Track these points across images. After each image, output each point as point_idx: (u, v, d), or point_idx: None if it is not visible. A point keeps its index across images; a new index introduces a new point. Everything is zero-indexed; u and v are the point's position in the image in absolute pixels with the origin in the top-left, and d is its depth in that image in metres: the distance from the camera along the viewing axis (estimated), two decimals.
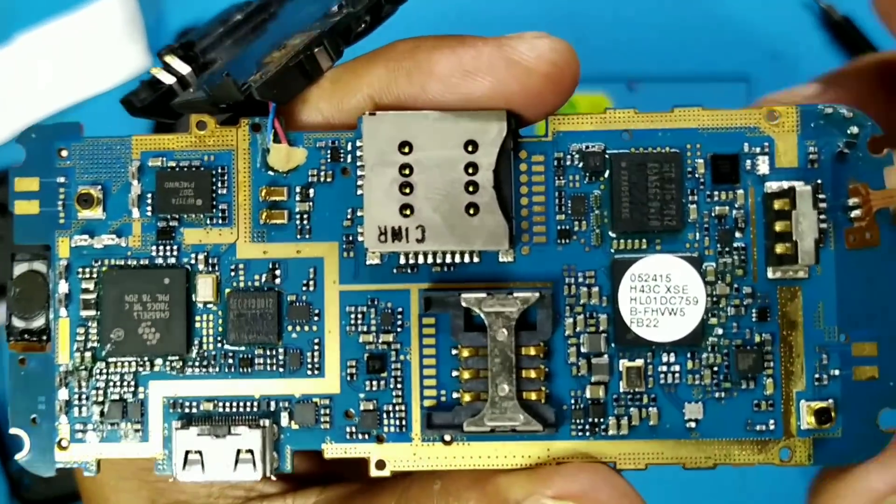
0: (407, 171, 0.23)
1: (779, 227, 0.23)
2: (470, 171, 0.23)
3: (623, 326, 0.23)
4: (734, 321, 0.23)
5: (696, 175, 0.24)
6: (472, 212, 0.23)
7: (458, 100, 0.23)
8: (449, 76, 0.23)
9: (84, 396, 0.24)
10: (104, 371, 0.24)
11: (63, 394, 0.24)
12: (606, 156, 0.24)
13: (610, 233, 0.24)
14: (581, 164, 0.24)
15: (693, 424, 0.23)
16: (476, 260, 0.24)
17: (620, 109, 0.24)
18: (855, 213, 0.23)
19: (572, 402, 0.23)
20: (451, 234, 0.23)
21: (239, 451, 0.23)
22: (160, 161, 0.24)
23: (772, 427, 0.23)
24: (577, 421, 0.23)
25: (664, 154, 0.24)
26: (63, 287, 0.24)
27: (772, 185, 0.23)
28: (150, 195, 0.24)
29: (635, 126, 0.24)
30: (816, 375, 0.23)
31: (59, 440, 0.24)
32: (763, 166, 0.24)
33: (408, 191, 0.23)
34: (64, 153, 0.24)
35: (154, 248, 0.24)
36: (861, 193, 0.23)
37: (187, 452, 0.23)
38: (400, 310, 0.24)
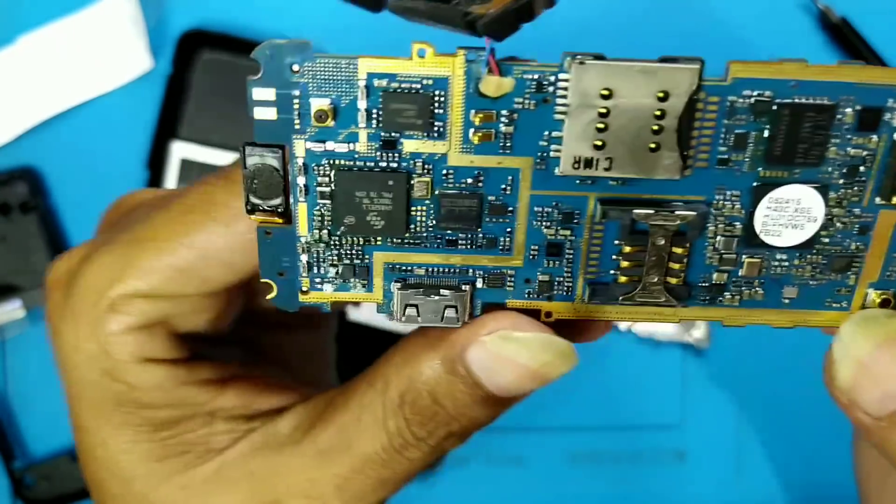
0: (604, 112, 0.27)
1: None
2: (657, 114, 0.28)
3: (752, 233, 0.30)
4: (839, 234, 0.30)
5: (844, 122, 0.28)
6: (653, 147, 0.28)
7: None
8: None
9: (322, 260, 0.31)
10: (338, 244, 0.30)
11: (304, 258, 0.31)
12: (773, 104, 0.28)
13: (760, 164, 0.29)
14: (749, 108, 0.28)
15: (787, 301, 0.31)
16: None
17: (793, 61, 0.27)
18: None
19: (701, 281, 0.31)
20: (633, 165, 0.28)
21: (445, 307, 0.31)
22: (385, 82, 0.28)
23: (844, 305, 0.32)
24: (702, 295, 0.31)
25: (821, 106, 0.28)
26: (301, 180, 0.29)
27: None
28: (374, 111, 0.28)
29: (803, 77, 0.28)
30: (888, 273, 0.31)
31: (302, 287, 0.31)
32: None
33: (602, 127, 0.28)
34: (296, 68, 0.27)
35: (379, 154, 0.29)
36: None
37: (406, 306, 0.31)
38: (578, 211, 0.30)
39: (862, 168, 0.29)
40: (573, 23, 0.50)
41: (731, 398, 0.58)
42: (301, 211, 0.30)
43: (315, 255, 0.31)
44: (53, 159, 0.59)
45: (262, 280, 0.31)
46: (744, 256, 0.31)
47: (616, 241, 0.30)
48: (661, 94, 0.27)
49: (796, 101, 0.28)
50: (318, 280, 0.31)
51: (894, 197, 0.29)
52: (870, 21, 0.51)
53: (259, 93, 0.28)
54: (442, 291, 0.31)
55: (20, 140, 0.57)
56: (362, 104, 0.28)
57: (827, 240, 0.30)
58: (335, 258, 0.31)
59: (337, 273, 0.31)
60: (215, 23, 0.57)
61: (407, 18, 0.28)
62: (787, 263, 0.31)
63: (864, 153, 0.29)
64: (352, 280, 0.31)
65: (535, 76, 0.28)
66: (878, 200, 0.30)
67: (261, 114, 0.28)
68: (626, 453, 0.57)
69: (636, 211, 0.29)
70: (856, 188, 0.29)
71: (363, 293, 0.32)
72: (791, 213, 0.30)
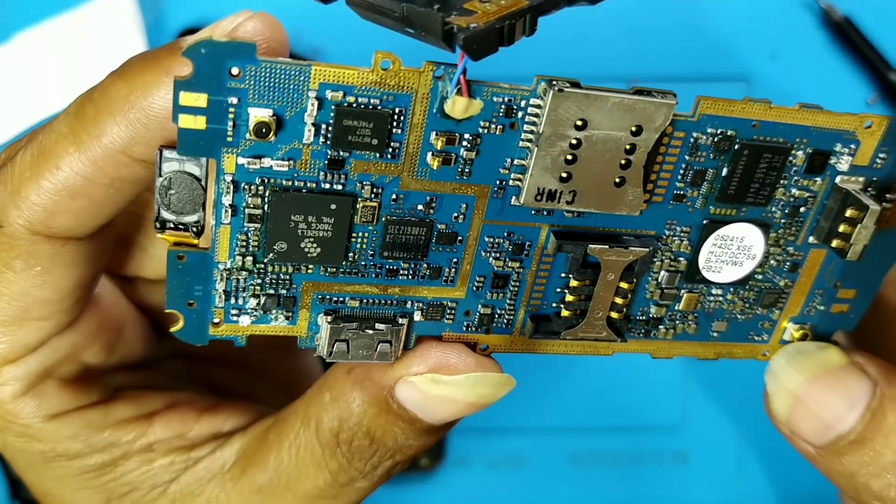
0: (575, 144, 0.26)
1: (842, 228, 0.29)
2: (627, 148, 0.26)
3: (695, 269, 0.30)
4: (772, 271, 0.31)
5: (795, 164, 0.29)
6: (618, 182, 0.27)
7: None
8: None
9: (242, 289, 0.27)
10: (263, 272, 0.27)
11: (221, 286, 0.27)
12: (736, 143, 0.28)
13: (712, 202, 0.29)
14: (712, 145, 0.28)
15: (716, 334, 0.32)
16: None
17: (757, 101, 0.27)
18: (886, 205, 0.30)
19: (639, 315, 0.31)
20: (597, 199, 0.27)
21: (380, 342, 0.28)
22: (340, 94, 0.24)
23: (765, 338, 0.32)
24: (638, 329, 0.31)
25: (778, 147, 0.28)
26: (227, 200, 0.25)
27: (843, 179, 0.29)
28: (324, 126, 0.25)
29: (764, 118, 0.28)
30: (807, 308, 0.32)
31: (214, 320, 0.27)
32: (844, 164, 0.29)
33: (571, 159, 0.26)
34: (235, 72, 0.23)
35: (322, 174, 0.25)
36: None
37: (336, 341, 0.28)
38: (529, 242, 0.28)
39: (802, 209, 0.30)
40: (571, 31, 0.48)
41: (733, 398, 0.56)
42: (223, 234, 0.26)
43: (234, 284, 0.27)
44: None
45: (168, 310, 0.27)
46: (683, 291, 0.31)
47: (563, 275, 0.29)
48: (634, 129, 0.26)
49: (756, 141, 0.28)
50: (234, 312, 0.27)
51: (835, 240, 0.30)
52: (872, 19, 0.50)
53: (187, 97, 0.23)
54: (377, 325, 0.28)
55: (16, 140, 0.52)
56: (310, 118, 0.24)
57: (760, 276, 0.31)
58: (258, 287, 0.27)
59: (258, 304, 0.27)
60: (214, 21, 0.51)
61: (365, 17, 0.25)
62: (721, 298, 0.31)
63: (807, 195, 0.29)
64: (274, 311, 0.28)
65: (506, 99, 0.26)
66: (811, 239, 0.30)
67: (186, 122, 0.24)
68: (627, 454, 0.56)
69: (591, 246, 0.28)
70: (794, 228, 0.30)
71: (285, 325, 0.28)
72: (734, 251, 0.30)
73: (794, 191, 0.29)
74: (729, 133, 0.28)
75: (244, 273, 0.27)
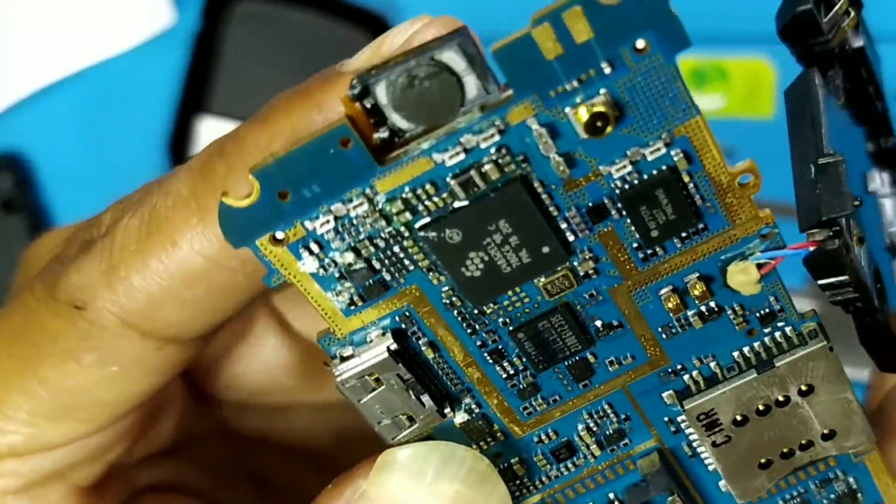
0: (781, 402, 0.22)
1: None
2: (804, 443, 0.23)
3: None
4: None
5: None
6: (764, 463, 0.23)
7: None
8: None
9: (353, 232, 0.19)
10: (397, 238, 0.19)
11: (340, 209, 0.19)
12: None
13: None
14: None
15: None
16: None
17: None
18: None
19: None
20: (732, 458, 0.23)
21: (406, 414, 0.21)
22: (686, 162, 0.19)
23: None
24: None
25: None
26: (471, 142, 0.18)
27: None
28: (636, 173, 0.19)
29: None
30: None
31: (277, 234, 0.19)
32: None
33: (762, 411, 0.22)
34: (641, 44, 0.17)
35: (574, 212, 0.19)
36: None
37: (368, 373, 0.21)
38: (628, 441, 0.23)
39: None
40: None
41: None
42: (413, 167, 0.18)
43: (354, 221, 0.19)
44: (46, 143, 0.51)
45: (252, 176, 0.18)
46: None
47: (612, 495, 0.24)
48: (828, 431, 0.23)
49: None
50: (311, 246, 0.19)
51: None
52: None
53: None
54: (423, 397, 0.21)
55: (3, 119, 0.51)
56: (636, 154, 0.19)
57: None
58: (370, 248, 0.19)
59: (348, 265, 0.20)
60: None
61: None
62: None
63: None
64: (345, 284, 0.20)
65: (777, 306, 0.21)
66: None
67: (542, 35, 0.17)
68: None
69: (675, 498, 0.24)
70: None
71: (336, 307, 0.20)
72: None
73: None
74: None
75: (378, 223, 0.19)
